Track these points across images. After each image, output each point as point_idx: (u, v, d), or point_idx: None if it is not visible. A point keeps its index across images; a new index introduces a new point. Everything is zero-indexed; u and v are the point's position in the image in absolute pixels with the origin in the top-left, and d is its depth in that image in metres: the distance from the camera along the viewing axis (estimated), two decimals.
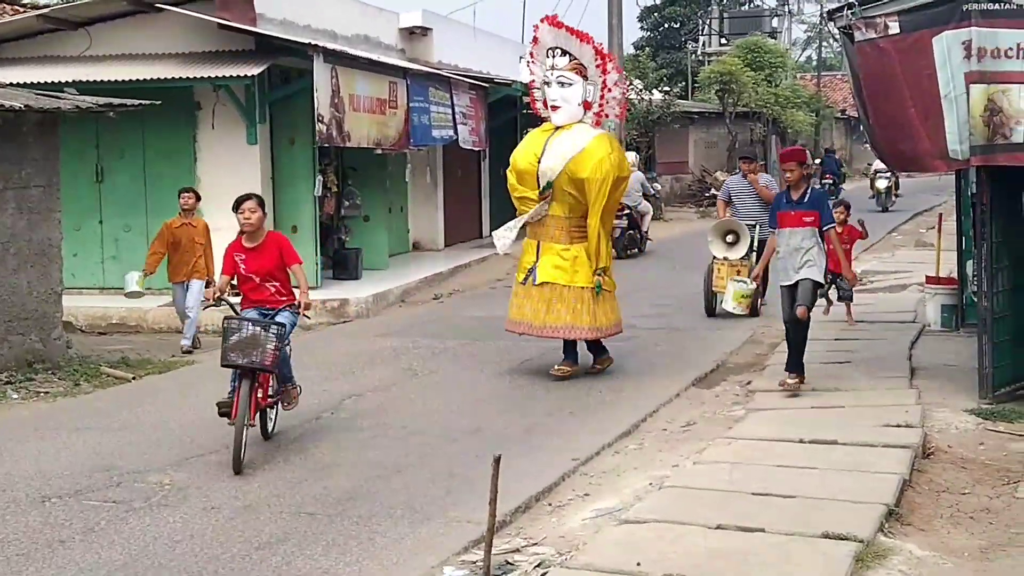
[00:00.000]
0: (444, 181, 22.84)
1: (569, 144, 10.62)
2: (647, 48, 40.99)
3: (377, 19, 20.74)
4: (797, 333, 9.79)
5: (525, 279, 10.93)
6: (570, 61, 10.81)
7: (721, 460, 7.65)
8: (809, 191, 9.87)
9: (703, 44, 48.13)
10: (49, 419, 9.79)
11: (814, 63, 62.13)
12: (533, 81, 11.28)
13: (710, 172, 35.67)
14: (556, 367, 10.86)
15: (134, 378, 11.58)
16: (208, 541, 6.60)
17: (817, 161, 34.31)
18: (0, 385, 10.90)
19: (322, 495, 7.43)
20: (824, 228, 9.75)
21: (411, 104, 18.40)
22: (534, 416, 9.56)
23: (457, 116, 20.88)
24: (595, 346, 11.07)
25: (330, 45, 16.34)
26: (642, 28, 51.97)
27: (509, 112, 26.71)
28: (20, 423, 9.69)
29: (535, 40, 11.17)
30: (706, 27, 49.09)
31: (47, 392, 10.91)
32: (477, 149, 22.90)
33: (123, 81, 14.79)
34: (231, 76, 14.92)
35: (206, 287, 12.63)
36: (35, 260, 11.83)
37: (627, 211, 21.34)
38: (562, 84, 10.79)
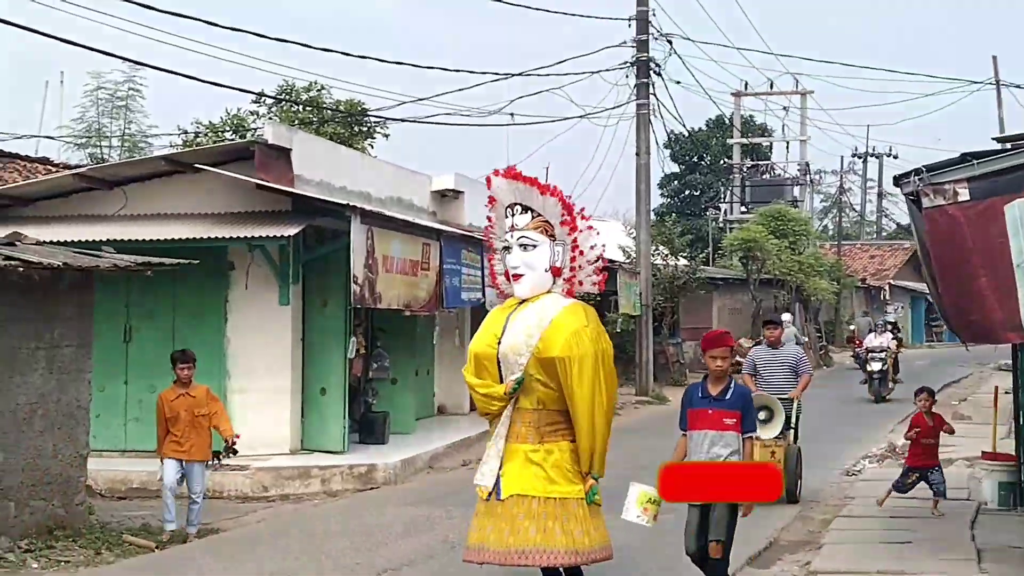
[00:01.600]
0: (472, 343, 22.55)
1: (534, 318, 8.27)
2: (672, 215, 41.12)
3: (410, 182, 20.79)
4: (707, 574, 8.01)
5: (489, 494, 8.42)
6: (533, 218, 8.55)
7: None
8: (731, 387, 8.22)
9: (724, 211, 48.49)
10: None
11: (830, 232, 62.57)
12: (492, 254, 9.04)
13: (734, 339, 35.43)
14: None
15: (157, 547, 11.12)
16: None
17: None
18: (20, 553, 10.43)
19: None
20: (745, 435, 8.17)
21: (444, 266, 18.28)
22: None
23: (487, 278, 20.73)
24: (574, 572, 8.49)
25: (366, 207, 16.26)
26: (662, 195, 52.52)
27: None
28: None
29: (490, 200, 8.85)
30: (728, 195, 49.52)
31: (68, 561, 10.45)
32: None
33: (158, 240, 14.64)
34: (268, 236, 14.81)
35: (232, 450, 11.75)
36: (62, 422, 11.49)
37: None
38: (524, 247, 8.47)
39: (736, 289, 37.67)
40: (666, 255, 31.56)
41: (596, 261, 8.71)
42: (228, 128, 29.54)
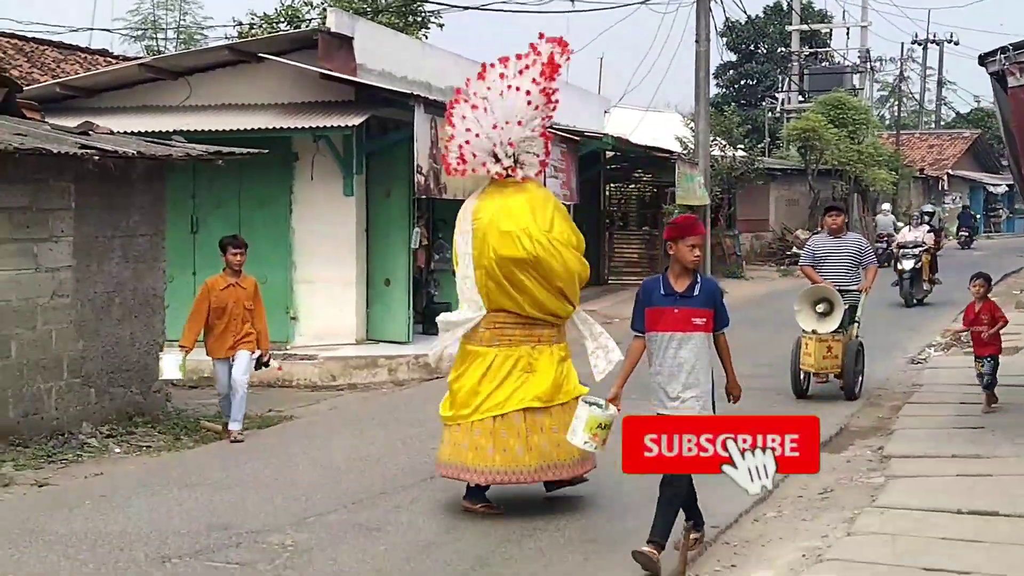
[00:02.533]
0: None
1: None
2: (730, 104, 40.60)
3: (471, 72, 20.58)
4: (669, 489, 6.79)
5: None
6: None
7: (877, 531, 7.18)
8: (699, 281, 7.06)
9: (782, 101, 47.78)
10: (156, 474, 9.54)
11: (888, 121, 61.60)
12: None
13: (791, 230, 35.12)
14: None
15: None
16: None
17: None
18: (102, 439, 10.70)
19: (454, 560, 7.07)
20: (718, 332, 7.12)
21: None
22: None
23: (548, 169, 20.65)
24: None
25: (428, 96, 16.19)
26: (718, 85, 51.76)
27: (594, 167, 26.55)
28: (127, 478, 9.47)
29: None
30: (786, 84, 48.73)
31: (149, 447, 10.69)
32: (568, 203, 22.64)
33: (224, 131, 14.67)
34: (332, 126, 14.80)
35: (261, 360, 11.16)
36: (139, 311, 11.69)
37: None
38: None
39: (794, 180, 37.23)
40: (724, 146, 31.24)
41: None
42: (283, 19, 29.42)
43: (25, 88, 14.58)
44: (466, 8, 29.19)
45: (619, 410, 6.98)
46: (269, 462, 9.91)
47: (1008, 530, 7.14)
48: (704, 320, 6.93)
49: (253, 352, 10.98)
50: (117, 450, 10.48)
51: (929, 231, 23.57)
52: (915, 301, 22.26)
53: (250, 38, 22.99)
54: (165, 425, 11.40)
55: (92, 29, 38.19)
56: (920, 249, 22.45)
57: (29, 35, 22.00)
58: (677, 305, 6.94)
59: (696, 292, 6.97)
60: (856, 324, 12.44)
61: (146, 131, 14.12)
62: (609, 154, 27.31)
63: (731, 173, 31.17)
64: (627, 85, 77.72)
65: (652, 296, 7.06)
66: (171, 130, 13.98)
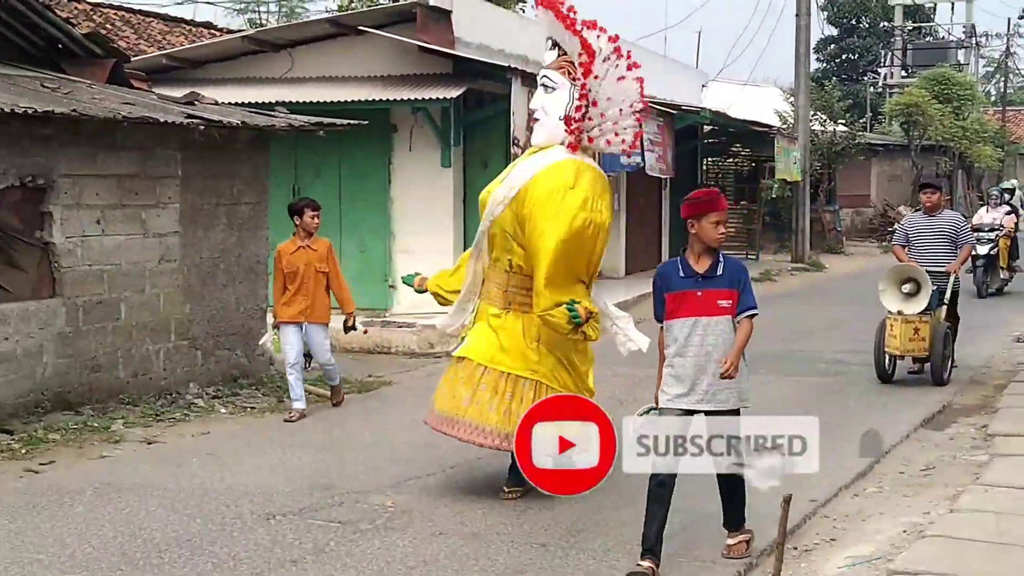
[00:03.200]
0: (627, 208, 22.51)
1: (528, 168, 7.58)
2: (831, 79, 39.97)
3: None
4: (662, 489, 6.16)
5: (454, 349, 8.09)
6: (559, 56, 7.61)
7: (981, 509, 7.06)
8: (721, 260, 6.30)
9: (884, 76, 46.92)
10: (260, 434, 9.76)
11: (993, 97, 60.16)
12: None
13: (892, 206, 34.59)
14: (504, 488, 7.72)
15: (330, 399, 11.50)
16: (443, 568, 6.34)
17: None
18: (208, 399, 10.95)
19: (551, 525, 7.10)
20: (740, 316, 6.25)
21: None
22: None
23: (645, 143, 20.55)
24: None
25: (525, 69, 16.21)
26: (818, 59, 50.92)
27: (691, 141, 26.36)
28: (232, 437, 9.68)
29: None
30: (888, 58, 47.82)
31: (253, 407, 10.90)
32: (664, 176, 22.56)
33: (325, 102, 14.86)
34: (431, 99, 14.93)
35: (350, 326, 10.67)
36: (243, 276, 11.91)
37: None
38: (545, 88, 7.63)
39: (896, 155, 36.65)
40: (824, 120, 30.83)
41: (627, 118, 7.54)
42: None
43: (132, 59, 14.89)
44: None
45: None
46: (369, 425, 10.06)
47: None
48: (730, 303, 6.19)
49: (328, 322, 10.48)
50: (223, 410, 10.70)
51: (1009, 212, 20.94)
52: (990, 291, 19.62)
53: (350, 11, 23.17)
54: (268, 387, 11.62)
55: (196, 2, 38.80)
56: (997, 233, 19.86)
57: (136, 7, 22.43)
58: (700, 287, 6.19)
59: (720, 272, 6.23)
60: (945, 307, 11.67)
61: (249, 102, 14.35)
62: (707, 128, 27.10)
63: (832, 148, 30.75)
64: (726, 59, 76.87)
65: (671, 280, 6.30)
66: (273, 101, 14.19)
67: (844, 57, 52.54)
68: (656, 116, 21.30)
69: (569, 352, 7.74)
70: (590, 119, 7.49)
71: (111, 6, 21.17)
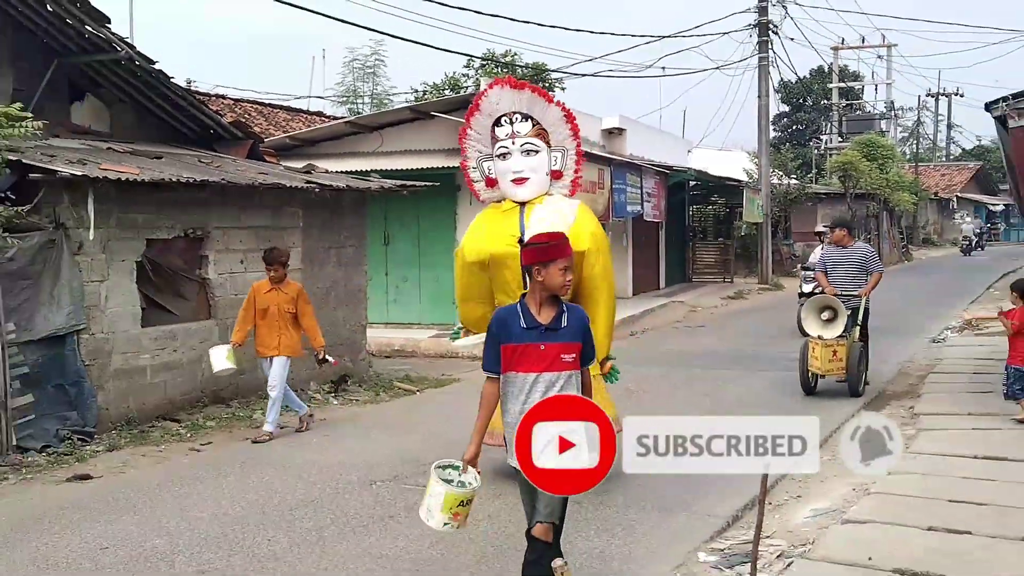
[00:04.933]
0: (632, 244, 22.42)
1: (557, 216, 6.78)
2: (785, 144, 39.67)
3: (585, 122, 20.45)
4: (536, 553, 4.57)
5: None
6: (534, 126, 6.95)
7: (911, 472, 6.93)
8: (567, 311, 4.57)
9: (825, 141, 46.48)
10: (362, 420, 9.75)
11: (908, 156, 59.56)
12: (465, 161, 7.32)
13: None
14: None
15: (418, 391, 11.49)
16: (504, 522, 6.29)
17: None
18: (324, 393, 10.97)
19: (632, 504, 6.99)
20: (584, 368, 4.61)
21: (613, 186, 18.14)
22: None
23: (644, 195, 20.50)
24: None
25: None
26: (775, 129, 50.51)
27: (680, 193, 26.23)
28: (342, 422, 9.67)
29: (472, 111, 7.16)
30: (828, 128, 47.48)
31: (357, 400, 10.91)
32: (657, 221, 22.48)
33: (407, 169, 14.90)
34: None
35: (321, 360, 9.25)
36: (348, 300, 11.94)
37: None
38: (527, 152, 6.92)
39: (836, 201, 36.10)
40: (781, 176, 30.62)
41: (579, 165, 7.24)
42: (447, 87, 29.68)
43: (265, 140, 15.01)
44: (584, 75, 29.03)
45: (479, 473, 4.56)
46: (444, 413, 10.00)
47: (1016, 469, 6.84)
48: (574, 356, 4.49)
49: (292, 356, 9.08)
50: (335, 402, 10.72)
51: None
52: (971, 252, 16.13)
53: (424, 101, 23.27)
54: (368, 384, 11.62)
55: (310, 97, 39.25)
56: (975, 227, 16.97)
57: (265, 101, 22.64)
58: (544, 340, 4.44)
59: (564, 323, 4.49)
60: (858, 328, 10.36)
61: (351, 170, 14.41)
62: (692, 183, 26.97)
63: (787, 196, 30.49)
64: (705, 130, 76.66)
65: (511, 330, 4.48)
66: (369, 169, 14.25)
67: (794, 127, 52.17)
68: (653, 174, 21.23)
69: None
70: (580, 169, 7.19)
71: (248, 101, 21.38)
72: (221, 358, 8.89)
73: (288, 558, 5.63)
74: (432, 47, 18.55)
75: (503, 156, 6.98)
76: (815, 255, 15.17)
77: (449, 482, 4.44)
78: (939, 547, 5.27)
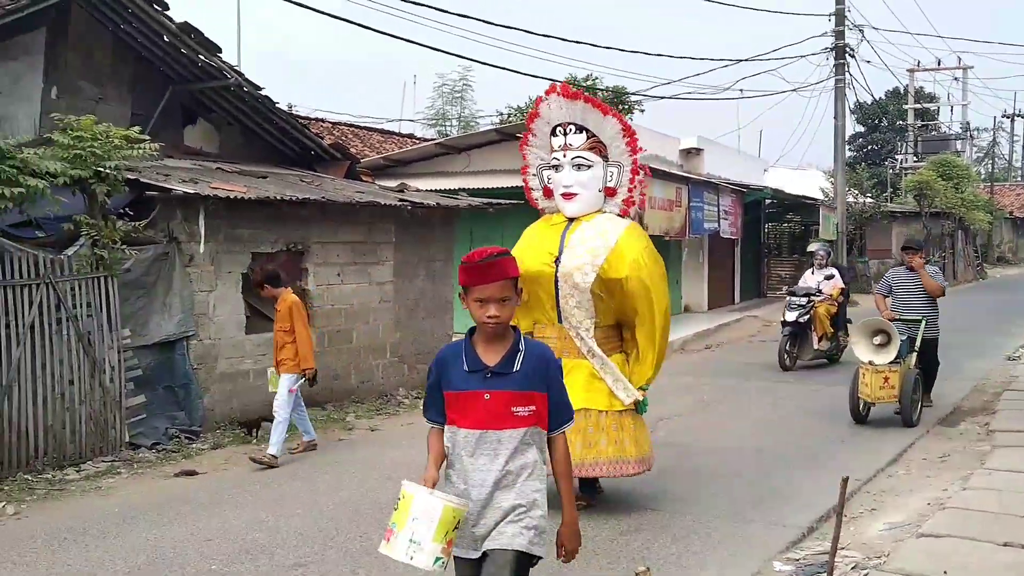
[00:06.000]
0: (708, 260, 22.13)
1: (597, 238, 6.12)
2: (861, 164, 38.76)
3: (664, 143, 20.38)
4: None
5: None
6: (588, 139, 6.25)
7: (987, 487, 6.65)
8: (523, 350, 3.14)
9: (900, 161, 45.25)
10: None
11: (982, 176, 57.63)
12: (526, 167, 6.74)
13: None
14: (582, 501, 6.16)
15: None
16: (589, 524, 6.21)
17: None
18: (412, 399, 11.06)
19: (660, 495, 6.92)
20: (553, 432, 3.19)
21: (691, 204, 17.94)
22: (811, 441, 8.76)
23: (721, 213, 20.23)
24: (594, 480, 6.51)
25: None
26: (851, 149, 49.41)
27: (756, 211, 25.81)
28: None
29: (533, 116, 6.56)
30: (903, 148, 46.20)
31: None
32: (734, 238, 22.14)
33: (492, 188, 15.01)
34: None
35: (308, 380, 8.18)
36: (436, 311, 12.04)
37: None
38: (579, 167, 6.26)
39: (911, 220, 35.13)
40: (856, 195, 29.92)
41: (641, 181, 6.40)
42: (531, 109, 29.75)
43: (361, 160, 15.28)
44: (663, 98, 28.83)
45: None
46: None
47: None
48: (531, 409, 3.12)
49: (296, 374, 8.12)
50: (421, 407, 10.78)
51: (830, 277, 13.85)
52: (800, 363, 13.16)
53: (509, 123, 23.41)
54: None
55: (401, 120, 39.95)
56: (813, 299, 13.36)
57: (360, 124, 23.04)
58: (489, 388, 3.11)
59: (517, 366, 3.13)
60: (914, 354, 9.46)
61: (440, 189, 14.59)
62: (768, 201, 26.52)
63: (862, 215, 29.79)
64: (782, 150, 75.30)
65: (451, 374, 3.18)
66: (457, 188, 14.39)
67: (870, 147, 50.88)
68: (730, 192, 20.94)
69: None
70: (635, 187, 6.35)
71: (344, 124, 21.79)
72: (270, 379, 8.34)
73: (379, 554, 5.66)
74: (517, 72, 18.74)
75: (556, 168, 6.38)
76: (804, 280, 13.93)
77: None
78: (1014, 562, 5.04)
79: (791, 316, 13.20)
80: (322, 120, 20.72)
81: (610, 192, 6.31)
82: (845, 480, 4.36)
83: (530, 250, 6.30)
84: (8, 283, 7.47)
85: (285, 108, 12.27)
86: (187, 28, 9.91)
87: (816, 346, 13.27)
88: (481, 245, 12.42)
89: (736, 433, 9.19)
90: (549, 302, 6.19)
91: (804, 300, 13.26)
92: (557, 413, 3.18)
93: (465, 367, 3.12)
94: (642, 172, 6.35)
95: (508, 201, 12.94)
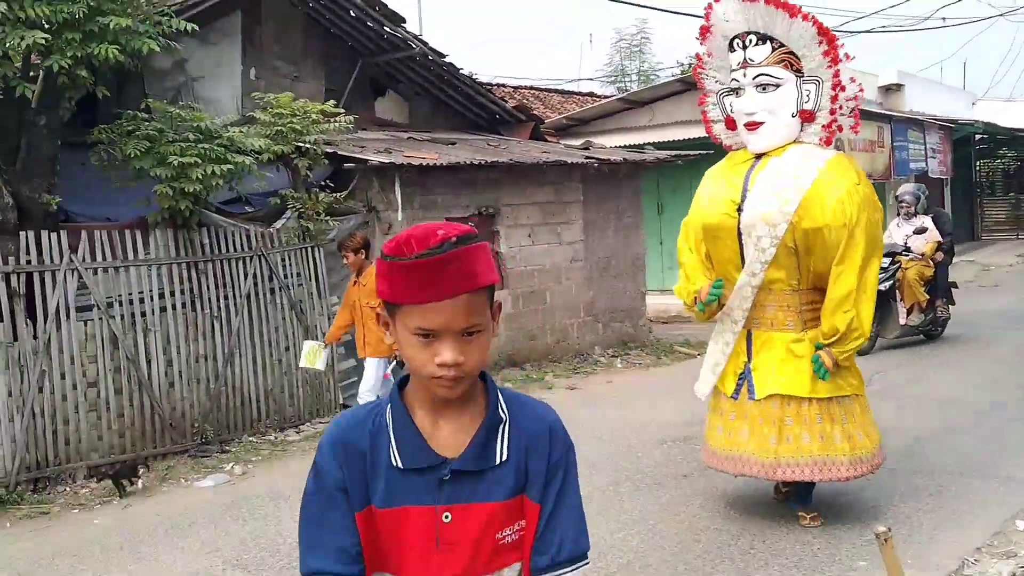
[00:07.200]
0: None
1: (789, 178, 4.73)
2: None
3: (862, 80, 19.05)
4: None
5: (737, 390, 5.06)
6: (774, 50, 4.79)
7: None
8: (504, 419, 1.56)
9: None
10: (648, 384, 9.63)
11: None
12: (705, 95, 5.28)
13: None
14: (805, 516, 5.11)
15: (698, 355, 11.17)
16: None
17: None
18: (608, 357, 10.96)
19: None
20: (556, 573, 1.51)
21: (894, 144, 16.76)
22: None
23: (928, 151, 18.81)
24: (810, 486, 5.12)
25: None
26: None
27: (965, 148, 23.89)
28: (630, 385, 9.61)
29: (704, 32, 5.06)
30: None
31: (640, 363, 10.80)
32: (944, 177, 20.56)
33: (678, 140, 14.56)
34: None
35: (397, 363, 6.97)
36: (627, 269, 11.85)
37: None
38: (763, 87, 4.84)
39: None
40: None
41: (853, 99, 4.87)
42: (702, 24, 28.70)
43: (544, 122, 15.21)
44: (858, 32, 27.01)
45: None
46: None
47: None
48: (519, 530, 1.56)
49: (388, 357, 7.04)
50: (619, 365, 10.69)
51: (917, 231, 10.51)
52: (869, 346, 9.56)
53: (691, 72, 22.74)
54: (649, 348, 11.50)
55: (579, 80, 39.63)
56: (905, 257, 10.34)
57: (541, 87, 22.99)
58: (449, 499, 1.50)
59: (499, 452, 1.55)
60: None
61: (624, 144, 14.31)
62: (978, 137, 24.44)
63: None
64: (991, 81, 69.35)
65: (368, 473, 1.53)
66: (642, 143, 14.06)
67: None
68: (936, 129, 19.44)
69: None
70: (840, 108, 4.82)
71: (525, 87, 21.80)
72: (304, 355, 7.57)
73: (588, 511, 5.61)
74: (697, 16, 18.08)
75: (736, 92, 4.99)
76: (889, 235, 10.25)
77: None
78: None
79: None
80: (503, 85, 20.80)
81: (807, 116, 4.81)
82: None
83: (710, 198, 5.04)
84: (225, 256, 7.90)
85: (467, 75, 12.34)
86: (371, 1, 10.10)
87: (904, 320, 10.25)
88: (669, 199, 12.01)
89: (963, 385, 8.50)
90: (734, 261, 4.94)
91: (887, 261, 9.60)
92: (554, 535, 1.57)
93: (397, 461, 1.53)
94: (851, 86, 4.83)
95: (697, 151, 12.50)
